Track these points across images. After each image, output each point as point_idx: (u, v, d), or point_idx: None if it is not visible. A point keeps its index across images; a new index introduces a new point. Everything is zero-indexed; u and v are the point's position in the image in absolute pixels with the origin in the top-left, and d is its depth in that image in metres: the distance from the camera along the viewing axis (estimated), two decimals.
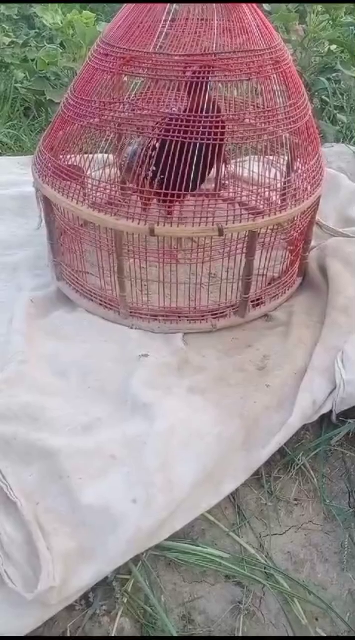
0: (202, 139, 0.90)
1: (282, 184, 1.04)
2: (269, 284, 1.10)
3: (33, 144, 1.81)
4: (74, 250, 1.09)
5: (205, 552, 0.77)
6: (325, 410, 0.89)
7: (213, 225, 0.91)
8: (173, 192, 0.91)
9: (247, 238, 0.96)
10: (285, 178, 1.07)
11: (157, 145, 0.92)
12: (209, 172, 1.01)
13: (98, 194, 0.97)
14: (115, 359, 0.97)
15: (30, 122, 1.96)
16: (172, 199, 0.93)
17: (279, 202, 0.99)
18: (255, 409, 0.88)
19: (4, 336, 1.01)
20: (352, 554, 0.79)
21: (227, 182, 1.27)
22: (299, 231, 1.08)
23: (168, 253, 0.97)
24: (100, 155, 1.05)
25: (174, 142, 0.90)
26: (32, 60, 2.08)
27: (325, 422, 0.91)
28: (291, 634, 0.72)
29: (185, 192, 0.92)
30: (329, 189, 1.37)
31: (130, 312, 1.04)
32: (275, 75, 0.96)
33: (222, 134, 0.92)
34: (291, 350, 0.99)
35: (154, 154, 0.92)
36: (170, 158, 0.89)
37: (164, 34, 0.93)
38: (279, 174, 1.04)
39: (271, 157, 1.03)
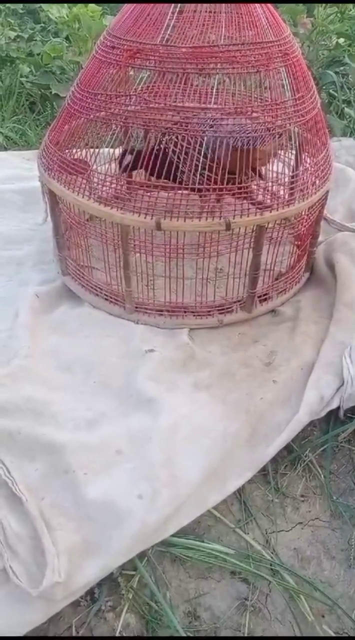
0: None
1: (290, 178, 1.03)
2: (276, 279, 1.09)
3: (38, 139, 1.81)
4: (79, 245, 1.09)
5: (210, 548, 0.76)
6: (332, 406, 0.88)
7: (220, 219, 0.90)
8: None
9: (254, 233, 0.95)
10: (292, 172, 1.06)
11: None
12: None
13: (104, 188, 0.97)
14: (120, 354, 0.96)
15: (36, 116, 1.96)
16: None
17: (287, 197, 0.98)
18: (261, 405, 0.88)
19: (9, 331, 1.01)
20: None
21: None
22: (306, 226, 1.07)
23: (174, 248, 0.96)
24: (106, 149, 1.04)
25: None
26: (38, 54, 2.08)
27: (332, 418, 0.91)
28: (297, 631, 0.72)
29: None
30: (337, 183, 1.36)
31: (136, 307, 1.03)
32: (283, 68, 0.95)
33: None
34: (298, 345, 0.98)
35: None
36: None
37: (170, 26, 0.92)
38: (286, 168, 1.03)
39: (279, 151, 1.02)
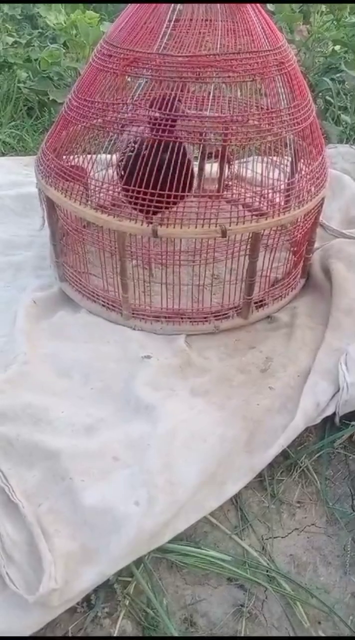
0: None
1: (286, 185, 1.04)
2: (272, 285, 1.10)
3: (36, 144, 1.81)
4: (76, 251, 1.09)
5: (207, 554, 0.76)
6: (328, 413, 0.89)
7: (216, 226, 0.90)
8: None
9: (250, 239, 0.96)
10: (288, 179, 1.07)
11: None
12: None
13: (101, 194, 0.97)
14: (118, 360, 0.97)
15: (33, 122, 1.97)
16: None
17: (283, 204, 0.99)
18: (258, 411, 0.88)
19: (7, 336, 1.01)
20: (354, 557, 0.79)
21: (230, 183, 1.27)
22: (303, 232, 1.08)
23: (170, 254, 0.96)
24: (103, 156, 1.05)
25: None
26: (35, 60, 2.08)
27: (328, 425, 0.91)
28: None
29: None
30: (333, 190, 1.37)
31: (133, 313, 1.04)
32: (279, 76, 0.96)
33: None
34: (294, 352, 0.98)
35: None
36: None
37: (167, 34, 0.93)
38: (282, 175, 1.04)
39: (275, 158, 1.02)
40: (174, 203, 0.93)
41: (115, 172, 1.04)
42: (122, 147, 0.98)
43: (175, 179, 0.90)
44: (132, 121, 0.96)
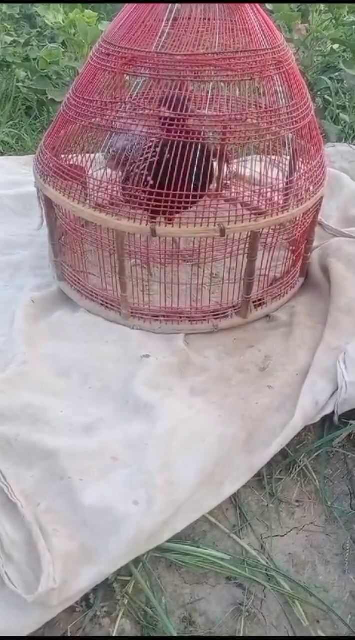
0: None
1: (285, 184, 1.04)
2: (271, 284, 1.10)
3: (34, 144, 1.81)
4: (75, 250, 1.09)
5: (206, 553, 0.76)
6: (327, 412, 0.89)
7: (215, 225, 0.90)
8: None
9: (249, 238, 0.96)
10: (287, 178, 1.06)
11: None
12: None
13: (99, 193, 0.97)
14: (117, 359, 0.97)
15: (32, 121, 1.96)
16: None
17: (281, 202, 0.99)
18: (257, 410, 0.88)
19: (5, 336, 1.01)
20: (353, 555, 0.79)
21: (229, 182, 1.27)
22: (301, 231, 1.08)
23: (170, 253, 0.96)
24: (101, 155, 1.05)
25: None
26: (34, 59, 2.08)
27: (327, 423, 0.91)
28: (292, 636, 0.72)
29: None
30: (331, 189, 1.37)
31: (132, 313, 1.04)
32: (277, 75, 0.96)
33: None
34: (293, 350, 0.98)
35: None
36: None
37: (165, 33, 0.93)
38: (281, 174, 1.04)
39: (273, 157, 1.02)
40: (194, 202, 0.93)
41: (118, 173, 1.03)
42: (139, 152, 0.98)
43: (201, 176, 0.91)
44: (132, 119, 0.96)
